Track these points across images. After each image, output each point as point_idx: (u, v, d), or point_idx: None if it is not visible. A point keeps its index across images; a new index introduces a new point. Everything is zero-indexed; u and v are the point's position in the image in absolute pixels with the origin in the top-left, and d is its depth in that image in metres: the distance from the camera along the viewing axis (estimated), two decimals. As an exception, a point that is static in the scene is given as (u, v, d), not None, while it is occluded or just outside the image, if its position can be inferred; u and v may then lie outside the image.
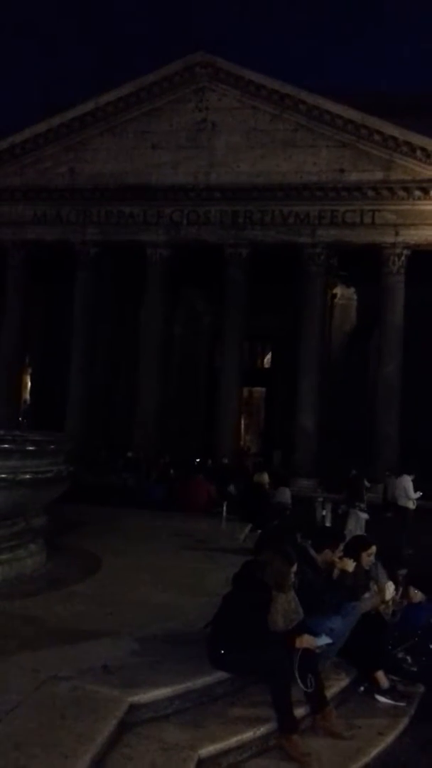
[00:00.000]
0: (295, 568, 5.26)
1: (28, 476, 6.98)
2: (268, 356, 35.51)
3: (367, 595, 6.16)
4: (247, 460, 26.40)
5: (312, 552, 6.30)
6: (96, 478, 18.89)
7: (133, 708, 4.44)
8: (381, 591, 6.34)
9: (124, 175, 25.67)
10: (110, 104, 26.01)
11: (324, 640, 5.17)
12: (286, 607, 5.11)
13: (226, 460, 22.34)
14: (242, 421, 31.24)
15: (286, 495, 15.24)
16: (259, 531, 11.09)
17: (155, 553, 9.52)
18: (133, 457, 23.09)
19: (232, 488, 16.94)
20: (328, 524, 13.62)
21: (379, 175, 23.99)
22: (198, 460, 22.39)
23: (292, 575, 5.24)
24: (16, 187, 26.33)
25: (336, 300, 28.67)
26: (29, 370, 32.71)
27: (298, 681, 4.81)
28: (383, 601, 6.26)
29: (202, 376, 30.84)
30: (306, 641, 4.93)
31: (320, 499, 15.30)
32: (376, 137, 23.92)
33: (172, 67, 25.66)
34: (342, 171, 24.35)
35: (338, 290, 28.52)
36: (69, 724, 4.00)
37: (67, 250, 26.18)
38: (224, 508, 14.01)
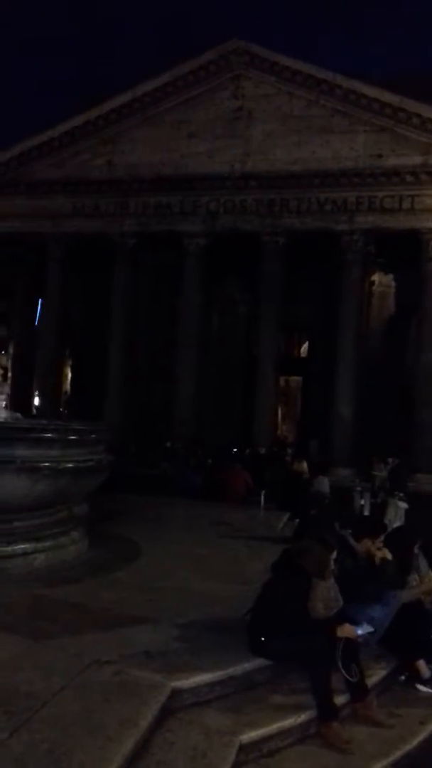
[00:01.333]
0: (334, 555, 5.26)
1: (70, 465, 7.11)
2: (305, 345, 35.26)
3: (409, 585, 6.13)
4: (284, 449, 26.34)
5: (351, 541, 6.28)
6: (134, 468, 19.07)
7: (175, 693, 4.50)
8: (423, 581, 6.29)
9: (161, 166, 25.71)
10: (147, 94, 26.02)
11: (365, 628, 5.16)
12: (325, 594, 5.11)
13: (263, 450, 22.33)
14: (279, 411, 31.17)
15: (324, 484, 15.18)
16: (297, 520, 11.10)
17: (194, 542, 9.59)
18: (171, 446, 23.25)
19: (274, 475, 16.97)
20: (366, 514, 13.55)
21: (418, 160, 23.56)
22: (235, 449, 22.42)
23: (332, 563, 5.24)
24: (56, 180, 26.59)
25: (374, 287, 28.27)
26: (69, 362, 33.13)
27: (341, 670, 4.82)
28: (425, 591, 6.22)
29: (238, 366, 30.78)
30: (347, 630, 4.93)
31: (358, 489, 15.21)
32: (415, 121, 23.48)
33: (207, 55, 25.54)
34: (380, 156, 23.97)
35: (376, 277, 28.12)
36: (113, 707, 4.08)
37: (105, 241, 26.36)
38: (262, 497, 14.03)
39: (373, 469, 20.43)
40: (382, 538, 6.35)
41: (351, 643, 4.95)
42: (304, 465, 16.50)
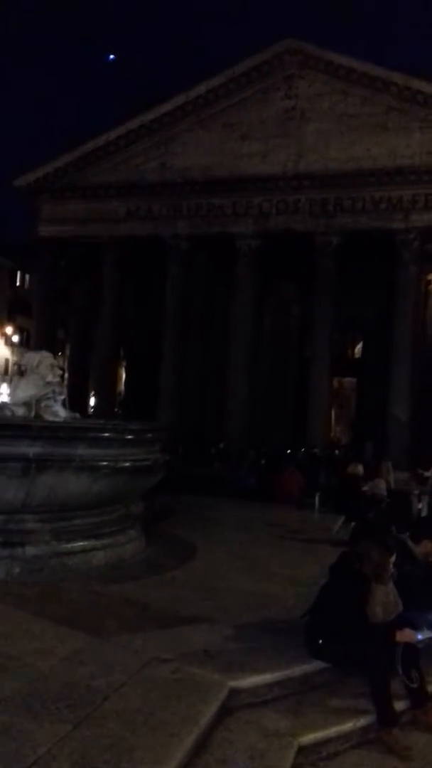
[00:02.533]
0: (393, 558, 5.18)
1: (127, 464, 7.22)
2: (359, 346, 34.87)
3: None
4: (338, 452, 26.08)
5: (410, 543, 6.17)
6: (188, 468, 19.19)
7: (233, 693, 4.50)
8: None
9: (213, 168, 25.80)
10: (200, 97, 26.17)
11: (426, 633, 5.07)
12: (384, 599, 5.04)
13: (317, 451, 22.16)
14: (332, 412, 30.89)
15: (381, 487, 14.93)
16: (353, 523, 10.97)
17: (249, 542, 9.59)
18: (224, 447, 23.29)
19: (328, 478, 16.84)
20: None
21: None
22: (289, 450, 22.32)
23: (391, 566, 5.16)
24: (110, 184, 26.99)
25: (430, 287, 27.78)
26: (123, 363, 33.60)
27: (402, 676, 4.74)
28: None
29: (291, 367, 30.66)
30: (406, 635, 4.85)
31: (416, 492, 14.93)
32: (473, 116, 22.96)
33: (260, 56, 25.53)
34: (437, 153, 23.51)
35: (433, 276, 27.64)
36: (172, 704, 4.11)
37: (158, 244, 26.61)
38: (317, 499, 13.93)
39: (425, 472, 20.01)
40: None
41: (411, 647, 4.87)
42: (360, 468, 16.29)
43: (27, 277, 55.24)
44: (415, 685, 4.84)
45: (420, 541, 6.14)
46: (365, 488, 13.88)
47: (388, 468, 17.30)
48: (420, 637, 5.01)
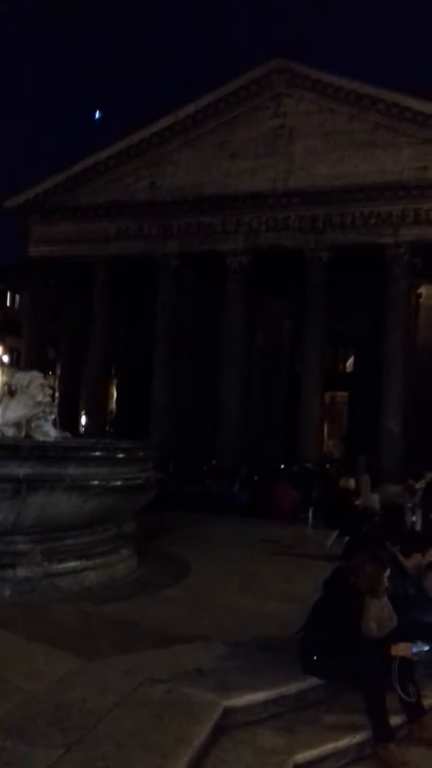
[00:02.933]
0: (388, 573, 5.17)
1: (119, 483, 7.19)
2: (351, 360, 34.98)
3: None
4: (330, 466, 26.05)
5: (400, 557, 6.15)
6: (181, 485, 19.12)
7: (228, 712, 4.47)
8: None
9: (203, 186, 25.98)
10: (189, 117, 26.40)
11: (420, 647, 5.05)
12: (379, 613, 5.02)
13: (309, 465, 22.14)
14: (325, 426, 30.90)
15: (374, 500, 14.94)
16: (347, 537, 10.94)
17: (243, 559, 9.55)
18: (217, 463, 23.23)
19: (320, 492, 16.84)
20: (418, 529, 13.28)
21: (463, 171, 23.28)
22: (282, 465, 22.29)
23: (386, 580, 5.15)
24: (100, 204, 27.11)
25: (421, 300, 27.94)
26: (115, 381, 33.55)
27: (398, 690, 4.71)
28: None
29: (283, 382, 30.69)
30: (401, 649, 4.83)
31: (409, 505, 14.93)
32: (459, 132, 23.24)
33: (248, 75, 25.81)
34: (425, 168, 23.74)
35: (423, 290, 27.79)
36: (166, 725, 4.07)
37: (149, 263, 26.71)
38: (310, 514, 13.90)
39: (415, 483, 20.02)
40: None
41: (406, 662, 4.84)
42: (352, 482, 16.31)
43: (17, 297, 55.28)
44: (412, 700, 4.81)
45: (410, 555, 6.13)
46: (357, 502, 13.88)
47: (366, 481, 17.29)
48: (415, 650, 4.99)
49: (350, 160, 24.54)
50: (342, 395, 35.47)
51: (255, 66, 25.90)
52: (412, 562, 6.08)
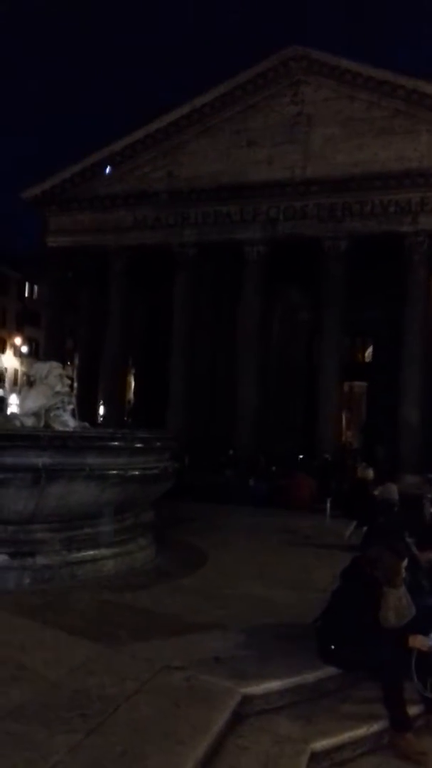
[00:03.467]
0: (405, 563, 5.16)
1: (136, 473, 7.22)
2: (369, 350, 34.80)
3: None
4: (348, 456, 25.98)
5: (414, 550, 6.14)
6: (198, 475, 19.17)
7: (246, 699, 4.49)
8: None
9: (220, 175, 25.86)
10: (206, 105, 26.26)
11: None
12: (397, 603, 5.01)
13: (328, 456, 22.10)
14: (343, 417, 30.80)
15: (392, 491, 14.85)
16: (365, 528, 10.91)
17: (260, 549, 9.57)
18: (234, 454, 23.26)
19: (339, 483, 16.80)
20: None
21: None
22: (301, 456, 22.26)
23: (404, 571, 5.13)
24: (117, 194, 27.12)
25: (440, 289, 27.67)
26: (132, 371, 33.66)
27: (416, 682, 4.71)
28: None
29: (301, 372, 30.64)
30: (419, 641, 4.82)
31: (428, 496, 14.83)
32: None
33: (266, 63, 25.60)
34: (444, 155, 23.47)
35: (442, 279, 27.53)
36: (184, 712, 4.10)
37: (166, 252, 26.69)
38: (328, 504, 13.87)
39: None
40: None
41: (424, 653, 4.83)
42: (370, 472, 16.21)
43: (35, 288, 55.62)
44: (429, 695, 4.81)
45: (425, 549, 6.11)
46: (376, 492, 13.81)
47: (363, 468, 17.21)
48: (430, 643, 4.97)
49: (369, 148, 24.29)
50: (360, 385, 35.35)
51: (272, 53, 25.68)
52: (425, 557, 6.06)
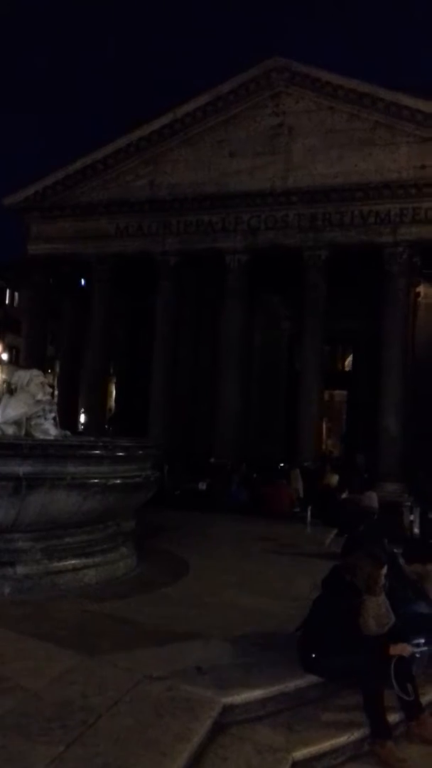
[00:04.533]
0: (385, 570, 5.20)
1: (118, 481, 7.21)
2: (349, 359, 35.02)
3: None
4: (328, 464, 26.10)
5: (402, 561, 6.19)
6: (180, 484, 19.16)
7: (227, 709, 4.50)
8: None
9: (202, 185, 25.96)
10: (188, 115, 26.36)
11: (418, 644, 5.08)
12: (377, 611, 5.06)
13: (307, 464, 22.17)
14: (324, 425, 30.92)
15: (373, 499, 14.98)
16: (345, 536, 10.97)
17: (242, 557, 9.59)
18: (215, 462, 23.24)
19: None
20: (416, 530, 13.32)
21: (462, 170, 23.30)
22: (282, 464, 22.31)
23: (383, 578, 5.18)
24: (99, 202, 27.08)
25: (419, 299, 27.95)
26: (113, 380, 33.56)
27: (396, 688, 4.75)
28: None
29: (282, 380, 30.73)
30: (400, 648, 4.86)
31: (407, 504, 14.97)
32: (458, 131, 23.25)
33: (247, 74, 25.76)
34: (423, 167, 23.73)
35: (421, 289, 27.79)
36: (165, 722, 4.10)
37: (148, 261, 26.69)
38: (308, 512, 13.93)
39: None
40: None
41: (404, 660, 4.87)
42: (335, 478, 16.36)
43: (16, 295, 55.30)
44: (410, 698, 4.85)
45: (412, 562, 6.17)
46: (344, 496, 13.92)
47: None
48: (413, 649, 5.02)
49: (349, 159, 24.53)
50: (341, 394, 35.50)
51: (254, 64, 25.86)
52: (413, 569, 6.11)
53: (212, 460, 23.56)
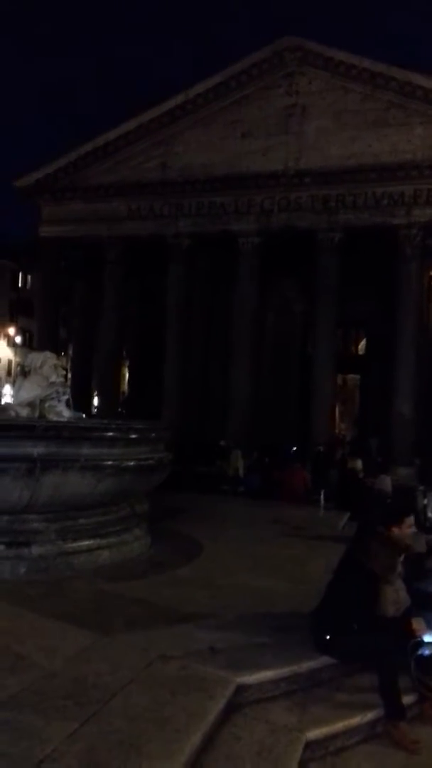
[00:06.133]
0: (402, 557, 5.18)
1: (131, 463, 7.23)
2: (363, 342, 34.85)
3: None
4: (340, 449, 26.06)
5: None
6: (192, 467, 19.20)
7: (240, 689, 4.52)
8: None
9: (214, 166, 25.77)
10: (200, 95, 26.12)
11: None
12: (394, 596, 5.05)
13: (320, 448, 22.15)
14: (337, 409, 30.87)
15: (386, 483, 14.95)
16: (358, 519, 10.97)
17: (255, 540, 9.60)
18: (227, 445, 23.27)
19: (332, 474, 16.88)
20: (430, 514, 13.30)
21: None
22: (295, 448, 22.31)
23: (400, 565, 5.17)
24: (111, 184, 26.98)
25: (433, 282, 27.73)
26: (126, 362, 33.60)
27: (413, 669, 4.74)
28: None
29: (294, 364, 30.65)
30: (417, 623, 4.85)
31: (421, 488, 14.92)
32: (474, 111, 22.90)
33: (260, 53, 25.47)
34: (438, 148, 23.46)
35: (435, 272, 27.58)
36: (179, 701, 4.12)
37: (160, 243, 26.61)
38: (322, 496, 13.92)
39: None
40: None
41: (420, 642, 4.87)
42: (359, 463, 16.32)
43: (29, 278, 55.40)
44: (424, 680, 4.85)
45: (390, 530, 5.90)
46: (369, 483, 13.90)
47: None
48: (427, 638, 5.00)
49: (363, 140, 24.26)
50: (354, 378, 35.41)
51: (267, 44, 25.55)
52: (396, 537, 5.78)
53: (222, 442, 23.58)
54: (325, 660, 5.01)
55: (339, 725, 4.52)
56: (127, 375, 34.93)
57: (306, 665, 4.94)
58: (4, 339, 53.87)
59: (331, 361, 25.17)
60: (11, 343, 53.12)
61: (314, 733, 4.34)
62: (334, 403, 26.92)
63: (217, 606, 6.14)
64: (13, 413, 7.83)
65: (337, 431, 30.58)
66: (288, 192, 24.95)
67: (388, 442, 23.76)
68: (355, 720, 4.60)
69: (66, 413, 8.05)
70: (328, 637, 4.95)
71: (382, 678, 4.64)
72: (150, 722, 3.84)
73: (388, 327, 25.02)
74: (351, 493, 13.50)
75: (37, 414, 7.84)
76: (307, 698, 4.73)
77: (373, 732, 4.65)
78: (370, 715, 4.65)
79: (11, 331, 53.53)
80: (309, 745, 4.26)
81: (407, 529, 5.47)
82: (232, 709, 4.37)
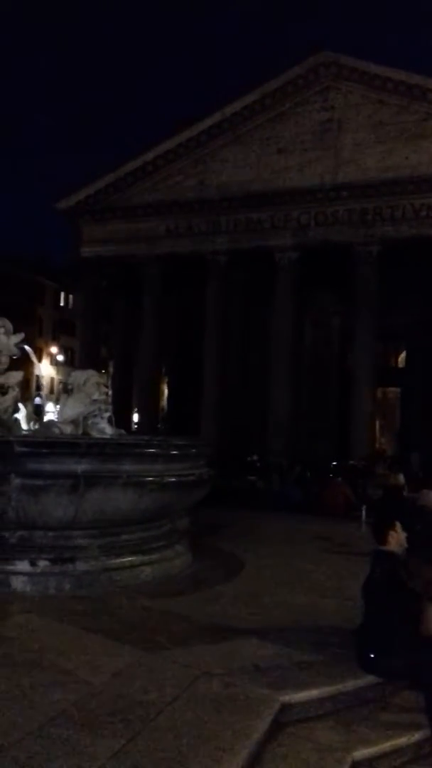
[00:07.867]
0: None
1: (173, 479, 7.27)
2: (402, 355, 34.46)
3: None
4: (380, 463, 25.71)
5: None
6: (232, 482, 19.18)
7: (285, 707, 4.49)
8: None
9: (251, 183, 25.96)
10: (236, 114, 26.41)
11: None
12: (438, 615, 4.97)
13: (353, 462, 21.91)
14: (377, 423, 30.52)
15: (429, 498, 14.69)
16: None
17: (296, 556, 9.54)
18: (261, 459, 23.21)
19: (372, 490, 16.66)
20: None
21: None
22: (335, 462, 22.13)
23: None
24: (150, 203, 27.39)
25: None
26: (166, 379, 33.85)
27: None
28: None
29: (333, 378, 30.47)
30: None
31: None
32: None
33: (295, 70, 25.67)
34: None
35: None
36: (224, 719, 4.12)
37: (198, 260, 26.85)
38: (363, 511, 13.76)
39: None
40: None
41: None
42: (401, 477, 16.05)
43: (70, 297, 56.37)
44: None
45: (386, 535, 5.77)
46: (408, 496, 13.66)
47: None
48: None
49: (400, 152, 24.18)
50: (394, 391, 35.00)
51: (301, 60, 25.72)
52: (393, 543, 5.64)
53: (255, 457, 23.54)
54: (370, 678, 4.95)
55: (385, 745, 4.45)
56: (166, 391, 35.17)
57: (351, 684, 4.89)
58: (47, 357, 54.83)
59: (370, 374, 24.97)
60: (54, 361, 54.03)
61: (360, 753, 4.29)
62: (373, 417, 26.65)
63: (260, 623, 6.12)
64: (57, 430, 7.97)
65: (377, 445, 30.20)
66: (325, 206, 24.98)
67: (430, 456, 23.37)
68: (402, 740, 4.53)
69: (108, 430, 8.16)
70: (372, 655, 4.90)
71: (429, 697, 4.58)
72: (196, 740, 3.85)
73: (428, 339, 24.74)
74: (393, 508, 13.28)
75: (80, 431, 7.96)
76: (352, 717, 4.68)
77: (420, 752, 4.58)
78: (417, 736, 4.58)
79: (54, 349, 54.47)
80: (355, 765, 4.20)
81: (398, 530, 5.42)
82: (277, 727, 4.34)
